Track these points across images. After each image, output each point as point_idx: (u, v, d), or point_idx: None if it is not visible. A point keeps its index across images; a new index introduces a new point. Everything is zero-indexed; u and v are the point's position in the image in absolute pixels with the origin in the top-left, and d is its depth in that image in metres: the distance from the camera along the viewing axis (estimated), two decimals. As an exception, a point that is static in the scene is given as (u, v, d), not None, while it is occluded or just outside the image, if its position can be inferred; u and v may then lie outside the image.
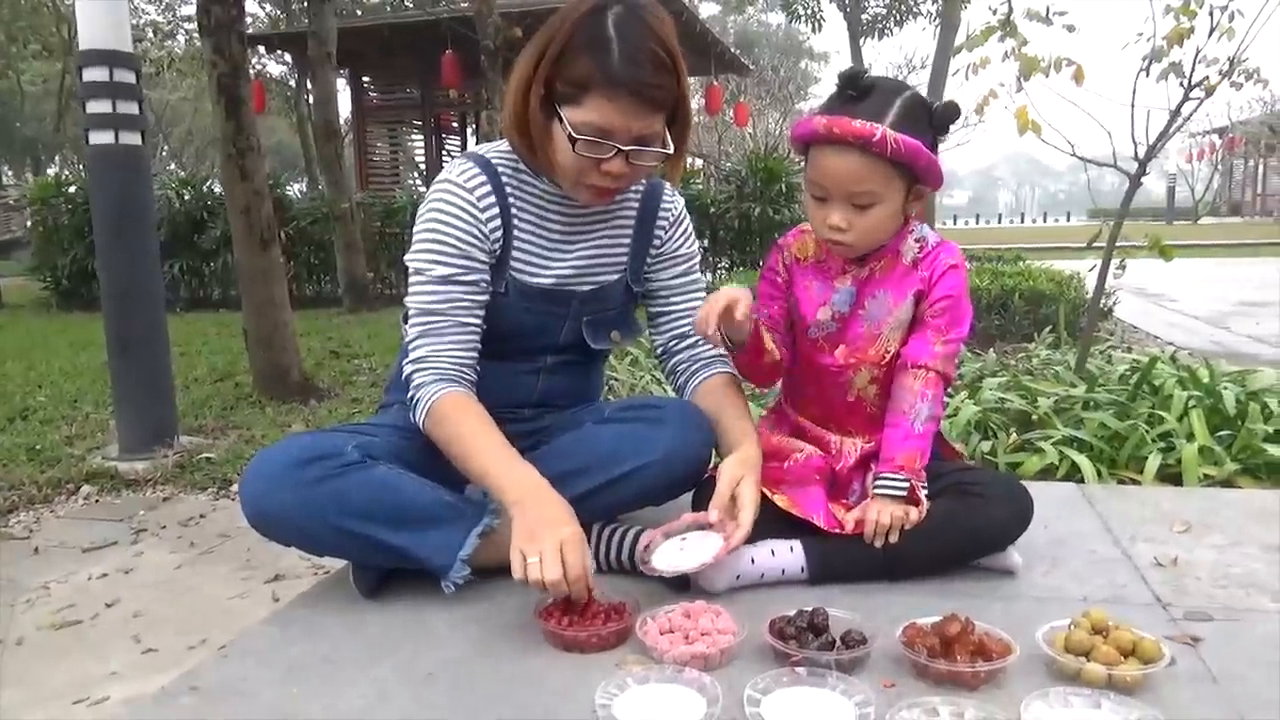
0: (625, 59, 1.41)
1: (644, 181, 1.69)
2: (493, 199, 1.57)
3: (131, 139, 3.43)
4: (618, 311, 1.74)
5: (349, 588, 1.58)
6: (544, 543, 1.31)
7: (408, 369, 1.56)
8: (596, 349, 1.74)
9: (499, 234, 1.59)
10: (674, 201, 1.76)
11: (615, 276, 1.71)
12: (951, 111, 1.51)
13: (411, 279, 1.57)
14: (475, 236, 1.55)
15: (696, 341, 1.74)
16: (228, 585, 2.33)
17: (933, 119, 1.50)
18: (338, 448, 1.49)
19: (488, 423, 1.50)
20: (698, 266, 1.80)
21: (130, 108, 3.40)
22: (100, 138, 3.38)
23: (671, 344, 1.77)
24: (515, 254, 1.62)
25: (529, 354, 1.70)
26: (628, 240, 1.71)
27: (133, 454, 3.48)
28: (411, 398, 1.54)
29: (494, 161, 1.60)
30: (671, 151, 1.53)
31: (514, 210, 1.60)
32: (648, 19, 1.44)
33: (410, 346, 1.56)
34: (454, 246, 1.54)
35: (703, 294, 1.77)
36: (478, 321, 1.58)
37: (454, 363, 1.54)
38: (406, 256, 1.59)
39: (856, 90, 1.47)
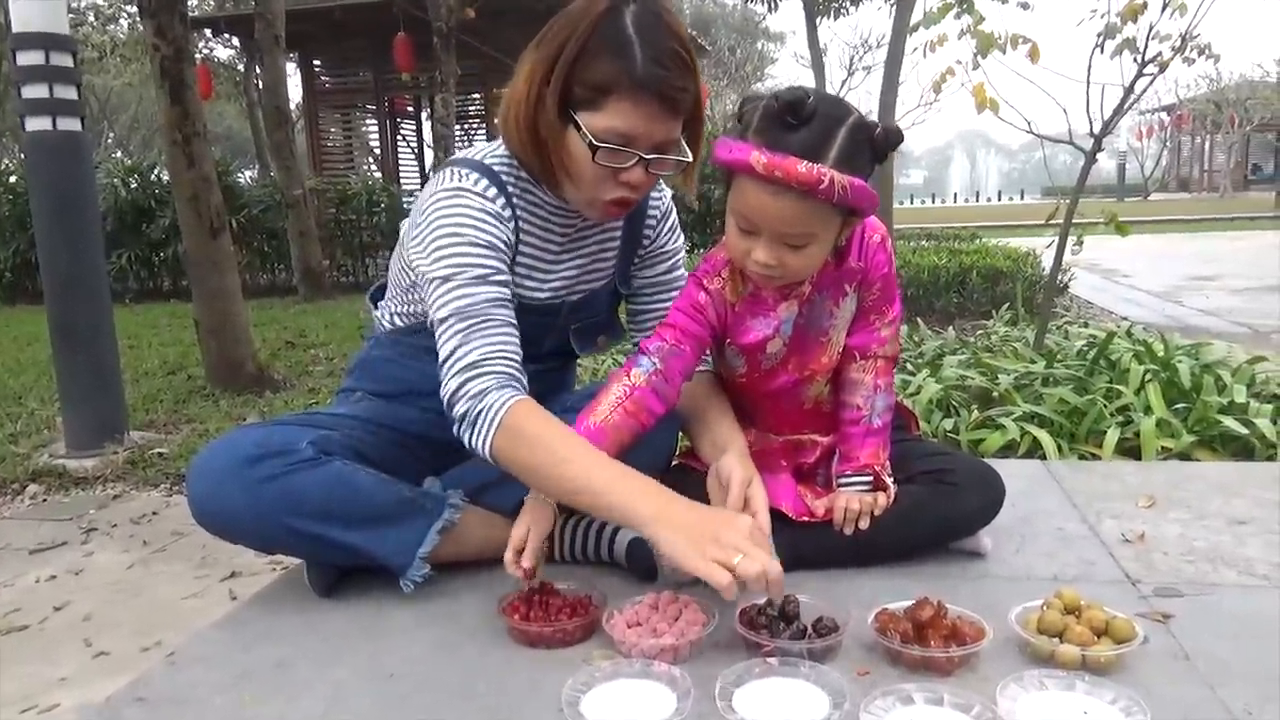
0: (650, 60, 1.32)
1: None
2: (509, 210, 1.47)
3: (70, 124, 3.30)
4: (604, 316, 1.69)
5: (305, 586, 1.53)
6: (737, 540, 1.18)
7: (457, 380, 1.36)
8: (581, 354, 1.70)
9: (515, 246, 1.50)
10: (662, 196, 1.68)
11: (603, 282, 1.65)
12: (894, 138, 1.35)
13: (437, 291, 1.39)
14: (503, 242, 1.44)
15: None
16: (182, 584, 2.27)
17: (874, 147, 1.34)
18: (290, 443, 1.42)
19: (574, 434, 1.36)
20: (683, 262, 1.72)
21: (68, 92, 3.27)
22: (37, 124, 3.25)
23: None
24: (518, 268, 1.52)
25: None
26: (617, 245, 1.64)
27: (81, 451, 3.37)
28: (466, 413, 1.35)
29: (498, 170, 1.48)
30: (690, 159, 1.44)
31: (521, 223, 1.51)
32: (666, 18, 1.36)
33: (452, 358, 1.37)
34: (485, 248, 1.41)
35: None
36: (516, 325, 1.43)
37: (512, 365, 1.39)
38: (423, 268, 1.42)
39: (797, 119, 1.29)
